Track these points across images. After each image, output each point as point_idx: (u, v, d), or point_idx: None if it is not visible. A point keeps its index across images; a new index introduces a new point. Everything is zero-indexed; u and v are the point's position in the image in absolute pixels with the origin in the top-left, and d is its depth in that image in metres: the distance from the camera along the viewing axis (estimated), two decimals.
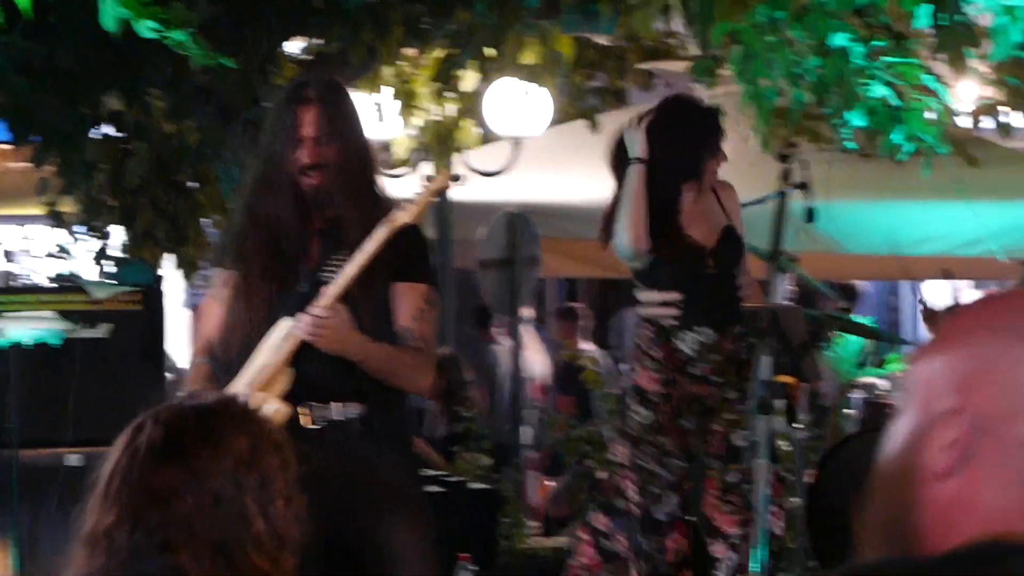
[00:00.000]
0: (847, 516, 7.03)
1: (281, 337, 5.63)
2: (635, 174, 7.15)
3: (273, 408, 5.52)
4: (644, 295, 7.33)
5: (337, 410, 5.68)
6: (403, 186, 12.86)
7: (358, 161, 5.76)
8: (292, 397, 5.61)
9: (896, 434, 2.14)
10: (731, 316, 7.28)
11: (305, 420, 5.62)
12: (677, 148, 7.32)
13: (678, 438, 7.26)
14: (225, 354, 5.78)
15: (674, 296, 7.23)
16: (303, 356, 5.61)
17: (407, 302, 5.67)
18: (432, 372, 5.94)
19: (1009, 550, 2.03)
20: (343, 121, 5.78)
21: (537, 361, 14.54)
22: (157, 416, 2.83)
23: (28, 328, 8.14)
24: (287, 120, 5.71)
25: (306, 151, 5.65)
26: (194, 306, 17.65)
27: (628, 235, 7.11)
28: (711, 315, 7.25)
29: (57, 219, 11.90)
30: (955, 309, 9.95)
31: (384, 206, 5.70)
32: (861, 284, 15.00)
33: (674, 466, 7.25)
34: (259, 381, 5.62)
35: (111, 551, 2.70)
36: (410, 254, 5.70)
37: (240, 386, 5.63)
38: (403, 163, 12.56)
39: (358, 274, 5.52)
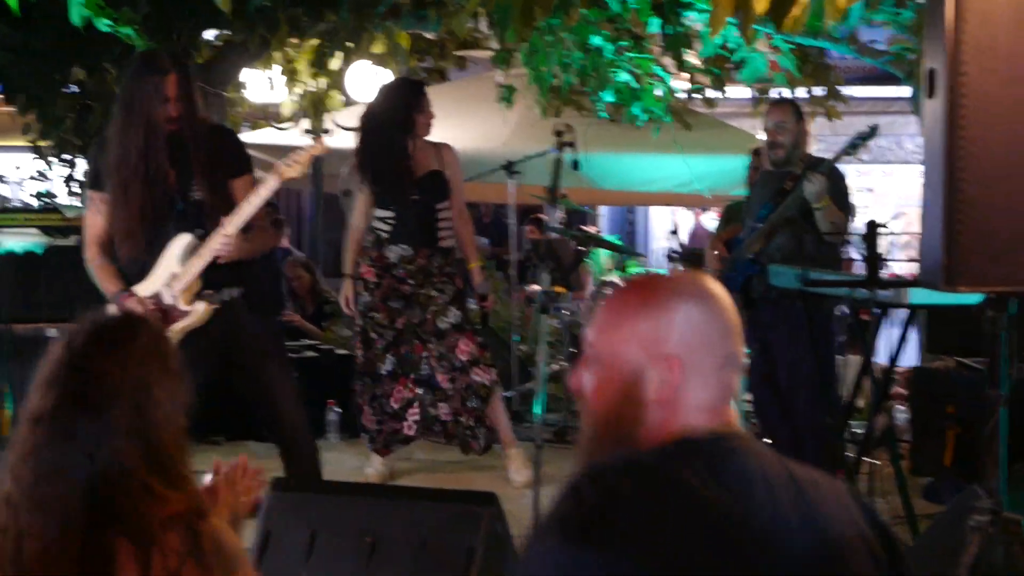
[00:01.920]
0: None
1: (184, 250, 5.66)
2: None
3: (202, 307, 5.60)
4: (376, 210, 7.44)
5: (227, 293, 5.77)
6: (287, 137, 12.82)
7: (197, 108, 5.75)
8: (202, 296, 5.70)
9: (612, 375, 2.24)
10: (427, 239, 7.43)
11: (209, 301, 5.71)
12: (397, 110, 7.36)
13: (387, 315, 7.45)
14: (122, 255, 5.76)
15: (388, 213, 7.38)
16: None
17: (243, 193, 5.72)
18: (271, 238, 6.25)
19: (693, 441, 2.17)
20: (191, 86, 5.75)
21: None
22: (86, 324, 2.74)
23: (18, 240, 8.02)
24: (154, 81, 5.62)
25: (170, 106, 5.61)
26: None
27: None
28: (412, 236, 7.40)
29: (38, 152, 11.69)
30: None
31: (210, 130, 5.84)
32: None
33: (387, 334, 7.46)
34: (181, 285, 5.65)
35: (53, 427, 2.60)
36: (239, 156, 5.83)
37: (158, 285, 5.68)
38: (288, 120, 12.44)
39: (258, 206, 5.58)
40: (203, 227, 5.68)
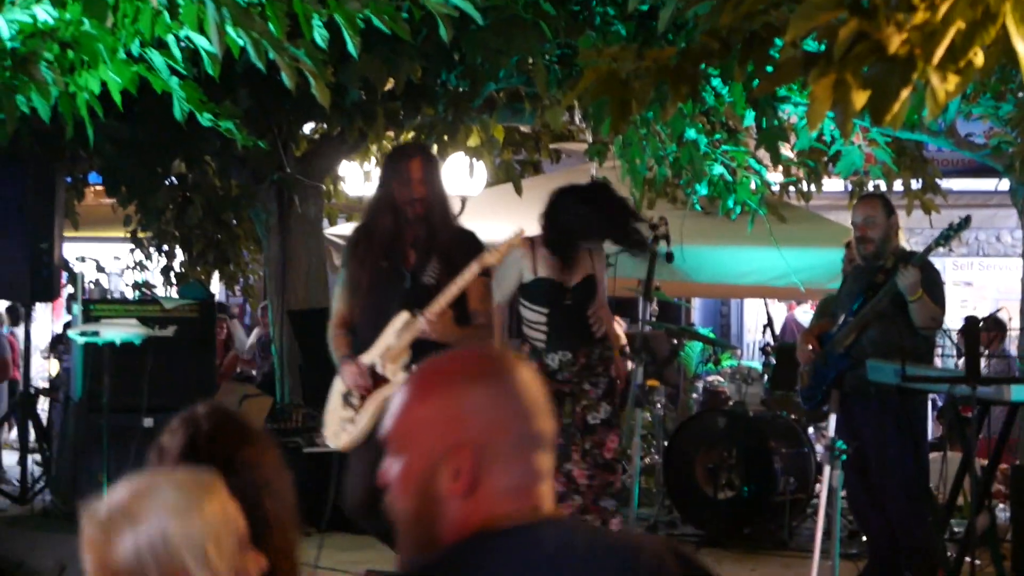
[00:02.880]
0: (692, 466, 7.13)
1: (401, 326, 5.91)
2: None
3: (402, 377, 5.84)
4: (525, 312, 7.23)
5: None
6: None
7: (442, 198, 6.10)
8: (407, 368, 5.90)
9: (406, 472, 2.10)
10: (583, 339, 7.21)
11: None
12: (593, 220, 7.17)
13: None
14: (355, 328, 6.06)
15: (543, 311, 7.15)
16: (417, 340, 5.88)
17: (476, 291, 6.00)
18: (492, 337, 6.42)
19: (488, 535, 2.04)
20: (435, 171, 6.17)
21: None
22: (198, 419, 2.80)
23: (118, 330, 8.13)
24: (400, 166, 6.03)
25: (414, 188, 5.95)
26: (231, 305, 17.60)
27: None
28: (569, 341, 7.16)
29: (137, 243, 11.92)
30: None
31: (455, 226, 6.18)
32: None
33: None
34: (390, 356, 5.92)
35: None
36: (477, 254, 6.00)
37: (375, 356, 5.96)
38: None
39: (458, 292, 5.87)
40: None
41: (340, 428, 6.04)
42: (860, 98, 3.15)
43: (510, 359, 2.18)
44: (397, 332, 5.92)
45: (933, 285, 6.99)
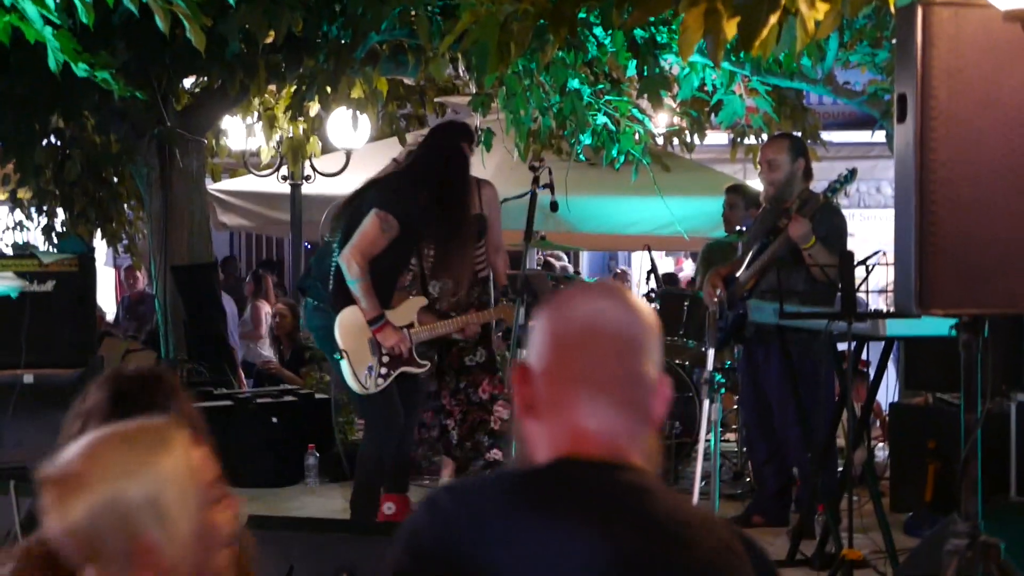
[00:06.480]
0: None
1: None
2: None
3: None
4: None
5: None
6: (267, 184, 12.78)
7: None
8: None
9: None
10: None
11: None
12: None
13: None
14: None
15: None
16: None
17: None
18: None
19: (572, 464, 2.04)
20: None
21: None
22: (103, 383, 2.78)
23: None
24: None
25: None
26: (116, 265, 17.36)
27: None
28: (452, 271, 7.39)
29: (16, 203, 11.69)
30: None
31: None
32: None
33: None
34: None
35: None
36: None
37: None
38: (267, 166, 12.47)
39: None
40: None
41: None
42: (731, 26, 3.19)
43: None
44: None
45: (834, 232, 6.90)
